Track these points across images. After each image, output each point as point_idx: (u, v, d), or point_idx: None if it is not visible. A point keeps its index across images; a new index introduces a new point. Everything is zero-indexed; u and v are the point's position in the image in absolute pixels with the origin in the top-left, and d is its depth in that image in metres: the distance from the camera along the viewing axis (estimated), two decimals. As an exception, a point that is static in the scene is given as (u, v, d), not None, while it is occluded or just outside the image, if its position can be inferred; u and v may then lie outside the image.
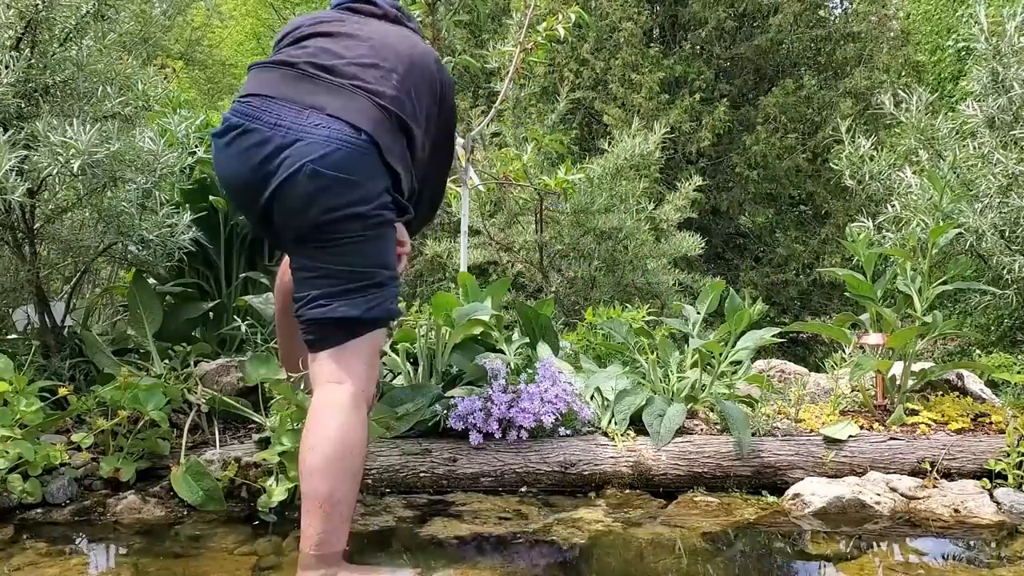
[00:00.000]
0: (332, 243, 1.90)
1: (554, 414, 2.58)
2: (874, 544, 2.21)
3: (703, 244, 5.55)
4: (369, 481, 2.46)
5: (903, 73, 10.06)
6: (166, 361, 2.83)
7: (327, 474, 1.77)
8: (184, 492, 2.26)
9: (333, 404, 1.82)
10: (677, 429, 2.61)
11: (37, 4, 2.51)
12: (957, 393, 3.03)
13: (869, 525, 2.32)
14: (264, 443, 2.43)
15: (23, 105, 2.57)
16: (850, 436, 2.63)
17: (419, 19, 3.74)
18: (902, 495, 2.46)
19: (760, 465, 2.58)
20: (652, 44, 9.19)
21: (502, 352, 3.03)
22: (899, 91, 3.80)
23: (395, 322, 2.78)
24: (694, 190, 5.88)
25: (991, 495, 2.43)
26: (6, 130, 2.46)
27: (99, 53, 2.74)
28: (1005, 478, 2.50)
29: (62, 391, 2.43)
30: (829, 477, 2.54)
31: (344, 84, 1.97)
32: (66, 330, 2.95)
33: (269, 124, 1.91)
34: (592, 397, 2.80)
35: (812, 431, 2.68)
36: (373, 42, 2.07)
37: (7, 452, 2.21)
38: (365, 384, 1.88)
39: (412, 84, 2.05)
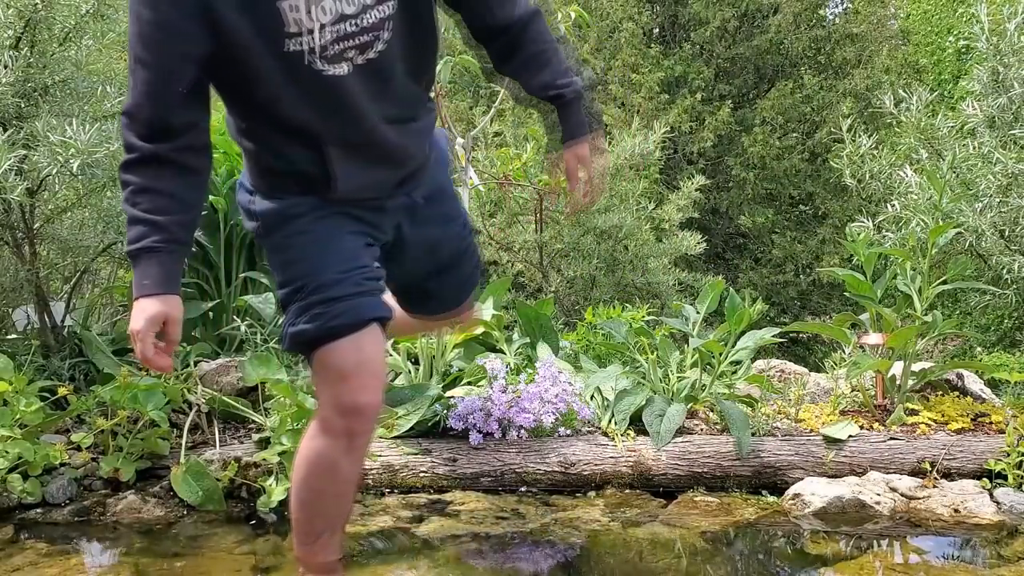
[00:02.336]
0: None
1: (554, 414, 2.58)
2: (874, 544, 2.21)
3: (703, 243, 5.53)
4: (369, 481, 2.46)
5: (903, 73, 10.05)
6: (166, 361, 2.82)
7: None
8: (184, 492, 2.26)
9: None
10: (677, 429, 2.61)
11: (36, 4, 2.51)
12: (957, 393, 3.02)
13: (869, 525, 2.32)
14: (264, 443, 2.43)
15: (22, 105, 2.57)
16: (850, 436, 2.63)
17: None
18: (902, 495, 2.46)
19: (760, 465, 2.58)
20: (652, 44, 9.18)
21: (502, 352, 3.03)
22: (899, 91, 3.80)
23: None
24: (696, 190, 5.86)
25: (991, 495, 2.43)
26: (6, 130, 2.46)
27: (98, 53, 2.75)
28: (1005, 478, 2.50)
29: (62, 391, 2.43)
30: (829, 477, 2.54)
31: None
32: (66, 330, 2.96)
33: None
34: (592, 397, 2.79)
35: (812, 431, 2.68)
36: None
37: (7, 452, 2.21)
38: (324, 412, 1.63)
39: None
